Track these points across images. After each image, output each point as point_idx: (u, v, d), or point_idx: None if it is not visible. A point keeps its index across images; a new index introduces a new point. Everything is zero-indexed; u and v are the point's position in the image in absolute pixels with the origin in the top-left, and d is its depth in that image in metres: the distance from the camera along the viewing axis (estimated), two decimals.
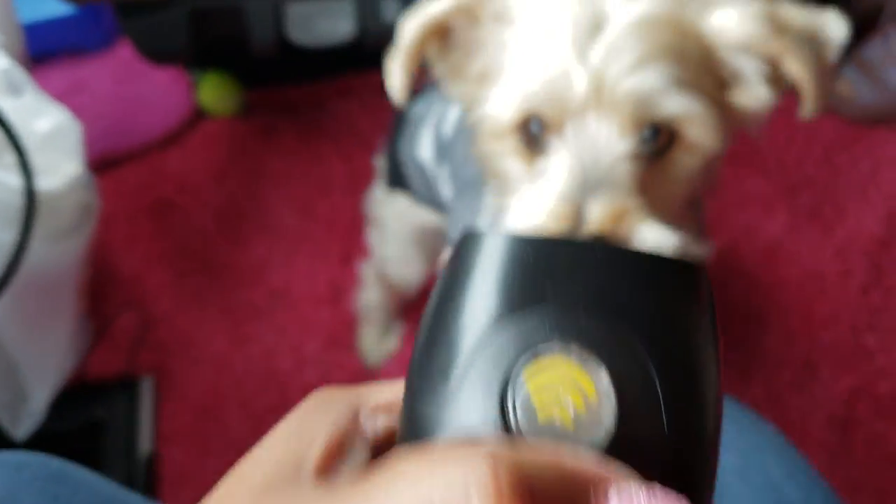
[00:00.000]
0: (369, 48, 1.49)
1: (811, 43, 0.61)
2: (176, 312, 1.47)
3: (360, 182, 1.62)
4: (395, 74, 0.66)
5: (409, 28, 0.65)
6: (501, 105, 0.62)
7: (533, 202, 0.59)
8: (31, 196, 0.93)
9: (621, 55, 0.56)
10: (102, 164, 1.63)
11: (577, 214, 0.56)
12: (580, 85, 0.56)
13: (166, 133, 1.67)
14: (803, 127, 1.67)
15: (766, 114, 0.66)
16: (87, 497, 0.60)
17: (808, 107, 0.63)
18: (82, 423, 1.34)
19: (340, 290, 1.49)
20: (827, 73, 0.62)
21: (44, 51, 1.77)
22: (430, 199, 1.01)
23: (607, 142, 0.57)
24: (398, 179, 1.07)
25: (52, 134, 1.07)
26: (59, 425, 1.31)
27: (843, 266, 1.48)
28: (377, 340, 1.41)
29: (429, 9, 0.64)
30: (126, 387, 1.38)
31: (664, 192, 0.60)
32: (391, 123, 1.11)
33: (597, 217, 0.55)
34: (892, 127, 1.68)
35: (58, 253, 1.10)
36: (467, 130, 0.77)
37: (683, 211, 0.65)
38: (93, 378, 1.40)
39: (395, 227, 1.12)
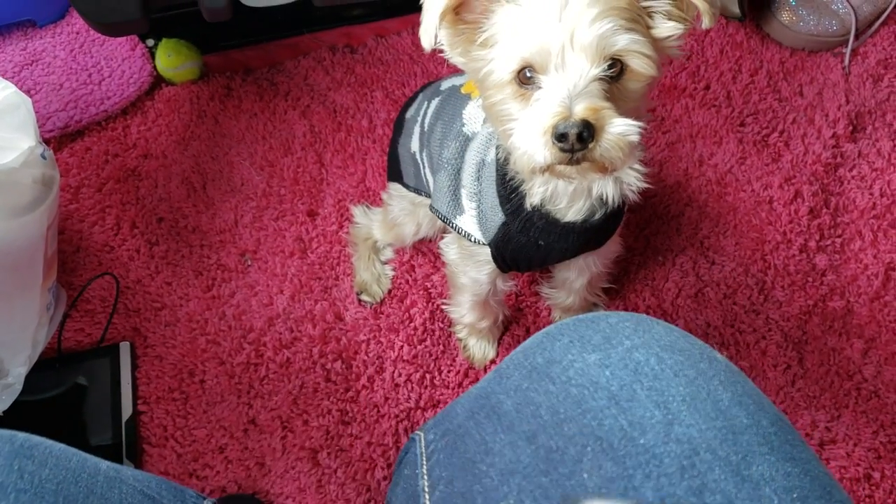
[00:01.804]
0: (319, 7, 1.50)
1: None
2: (148, 278, 1.50)
3: (318, 138, 1.65)
4: (428, 29, 0.86)
5: None
6: (505, 60, 0.84)
7: (538, 111, 0.82)
8: None
9: (583, 16, 0.79)
10: (66, 135, 1.65)
11: (569, 111, 0.79)
12: (559, 38, 0.80)
13: (126, 101, 1.68)
14: (748, 58, 1.71)
15: (680, 41, 0.88)
16: (54, 469, 0.61)
17: (705, 21, 0.85)
18: (65, 390, 1.37)
19: (307, 243, 1.52)
20: None
21: None
22: (419, 186, 1.28)
23: (582, 70, 0.80)
24: (395, 174, 1.34)
25: (2, 110, 1.08)
26: (42, 395, 1.35)
27: (792, 191, 1.52)
28: (372, 273, 1.48)
29: None
30: (105, 352, 1.41)
31: (620, 107, 0.82)
32: (393, 127, 1.37)
33: (581, 110, 0.79)
34: (835, 52, 1.72)
35: (20, 228, 1.11)
36: (442, 118, 1.16)
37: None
38: (70, 347, 1.43)
39: (400, 202, 1.38)
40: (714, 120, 1.63)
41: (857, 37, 1.69)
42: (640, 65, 0.82)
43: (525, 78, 0.84)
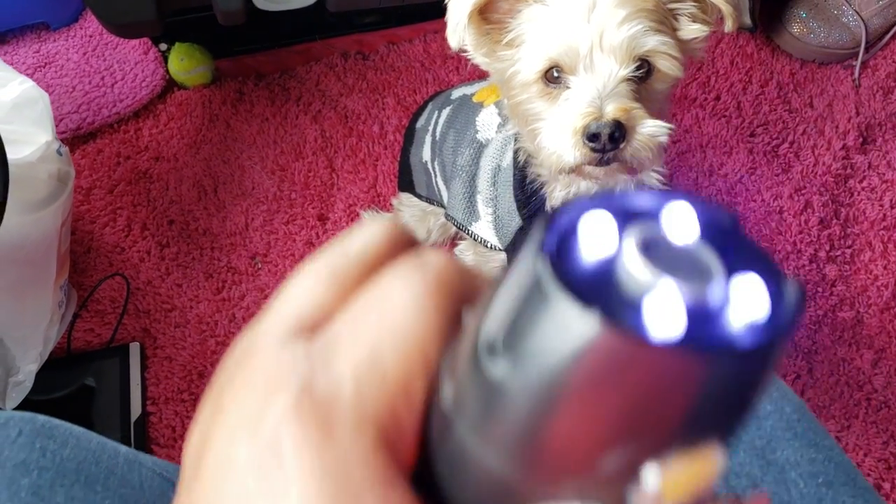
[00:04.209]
0: (333, 13, 1.51)
1: None
2: (158, 280, 1.50)
3: (330, 143, 1.65)
4: (456, 30, 0.88)
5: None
6: (532, 59, 0.85)
7: (567, 111, 0.83)
8: (3, 166, 0.93)
9: (612, 17, 0.80)
10: (78, 136, 1.65)
11: (600, 111, 0.80)
12: (587, 38, 0.81)
13: (138, 104, 1.68)
14: (759, 70, 1.72)
15: (704, 42, 0.89)
16: (75, 450, 0.61)
17: (728, 24, 0.86)
18: (73, 390, 1.36)
19: (317, 247, 1.52)
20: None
21: (9, 28, 1.78)
22: (430, 195, 1.29)
23: (610, 71, 0.81)
24: (406, 184, 1.35)
25: (20, 104, 1.08)
26: (51, 394, 1.35)
27: (803, 201, 1.52)
28: None
29: None
30: (114, 353, 1.41)
31: (647, 108, 0.83)
32: (404, 137, 1.37)
33: (612, 110, 0.80)
34: (845, 64, 1.73)
35: (35, 223, 1.11)
36: (454, 126, 1.16)
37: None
38: (80, 347, 1.43)
39: (410, 209, 1.40)
40: (724, 130, 1.63)
41: (867, 49, 1.70)
42: (668, 66, 0.84)
43: (552, 77, 0.85)
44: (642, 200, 0.23)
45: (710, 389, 0.21)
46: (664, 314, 0.20)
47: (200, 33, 1.71)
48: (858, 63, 1.69)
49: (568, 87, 0.84)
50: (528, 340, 0.21)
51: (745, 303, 0.21)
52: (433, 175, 1.25)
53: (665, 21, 0.85)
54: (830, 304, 1.43)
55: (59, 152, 1.13)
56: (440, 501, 0.25)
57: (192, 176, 1.62)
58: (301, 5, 1.46)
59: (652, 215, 0.23)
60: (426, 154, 1.26)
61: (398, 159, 1.39)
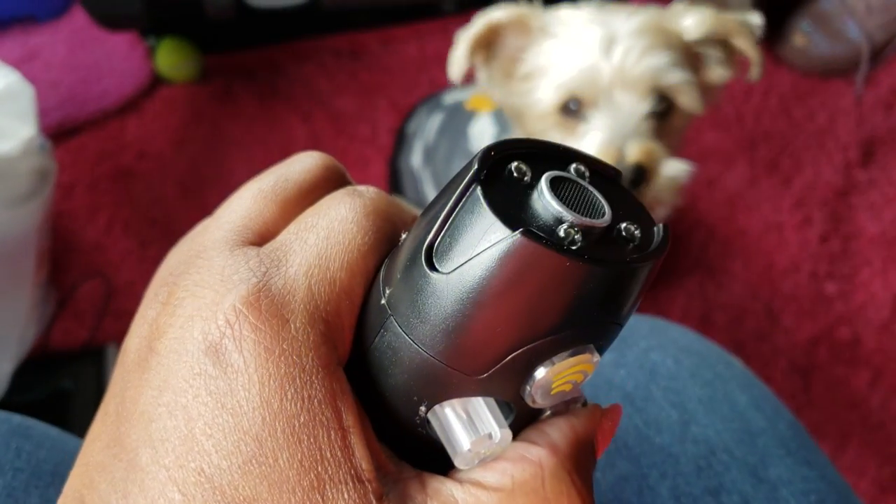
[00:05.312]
0: (325, 11, 1.48)
1: (746, 27, 0.87)
2: (139, 280, 1.46)
3: (319, 144, 1.62)
4: (456, 62, 0.90)
5: (472, 26, 0.88)
6: (549, 91, 0.84)
7: (586, 148, 0.80)
8: None
9: (633, 50, 0.79)
10: (61, 132, 1.61)
11: (620, 153, 0.79)
12: (607, 72, 0.80)
13: (124, 100, 1.65)
14: (760, 81, 1.69)
15: (724, 87, 0.91)
16: (52, 451, 0.58)
17: (754, 71, 0.88)
18: (48, 393, 1.33)
19: None
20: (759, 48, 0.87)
21: None
22: (418, 201, 1.27)
23: (631, 107, 0.80)
24: (395, 187, 1.34)
25: (3, 97, 1.05)
26: (25, 397, 1.31)
27: (802, 216, 1.50)
28: None
29: (490, 15, 0.88)
30: (92, 355, 1.37)
31: (666, 144, 0.83)
32: (394, 140, 1.36)
33: (634, 153, 0.79)
34: (847, 78, 1.70)
35: (14, 219, 1.08)
36: (447, 135, 1.15)
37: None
38: (57, 348, 1.39)
39: None
40: (724, 141, 1.61)
41: (870, 63, 1.68)
42: (688, 102, 0.84)
43: (569, 110, 0.85)
44: (556, 152, 0.30)
45: (592, 290, 0.26)
46: (567, 234, 0.26)
47: (189, 28, 1.68)
48: (861, 77, 1.67)
49: (586, 122, 0.83)
50: (462, 247, 0.27)
51: (623, 234, 0.28)
52: (420, 182, 1.22)
53: (690, 60, 0.85)
54: (828, 322, 1.41)
55: (41, 147, 1.10)
56: (364, 390, 0.30)
57: (177, 174, 1.59)
58: (292, 4, 1.44)
59: (562, 163, 0.29)
60: (416, 160, 1.23)
61: (388, 162, 1.37)
